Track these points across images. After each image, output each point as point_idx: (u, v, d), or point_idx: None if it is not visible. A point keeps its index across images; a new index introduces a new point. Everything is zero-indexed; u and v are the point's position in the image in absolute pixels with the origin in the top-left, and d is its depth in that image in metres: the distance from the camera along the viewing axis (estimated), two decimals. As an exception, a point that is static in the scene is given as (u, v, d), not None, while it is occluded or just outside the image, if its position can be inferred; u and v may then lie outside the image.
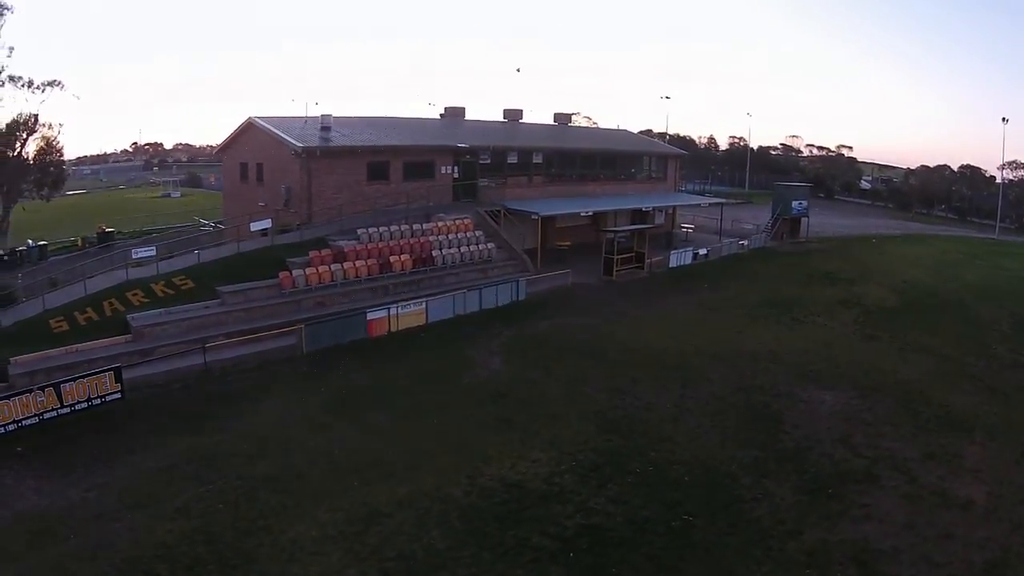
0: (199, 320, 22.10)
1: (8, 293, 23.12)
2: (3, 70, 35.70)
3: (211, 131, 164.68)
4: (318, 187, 30.23)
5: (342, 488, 13.59)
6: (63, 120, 41.75)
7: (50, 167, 40.93)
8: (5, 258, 34.14)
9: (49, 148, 40.35)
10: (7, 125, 37.35)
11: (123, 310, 21.89)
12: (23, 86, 36.94)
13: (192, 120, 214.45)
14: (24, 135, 38.25)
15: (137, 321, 21.20)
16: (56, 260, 36.59)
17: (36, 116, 37.96)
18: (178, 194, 74.36)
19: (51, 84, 37.74)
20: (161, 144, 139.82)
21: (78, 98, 29.70)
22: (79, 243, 39.20)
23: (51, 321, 20.90)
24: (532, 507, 13.14)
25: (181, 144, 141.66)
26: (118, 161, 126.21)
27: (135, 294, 22.75)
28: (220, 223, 38.00)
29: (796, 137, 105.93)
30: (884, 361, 22.15)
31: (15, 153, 38.35)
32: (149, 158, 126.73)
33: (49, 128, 39.27)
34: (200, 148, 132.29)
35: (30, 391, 15.72)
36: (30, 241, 36.77)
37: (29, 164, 39.68)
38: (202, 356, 19.51)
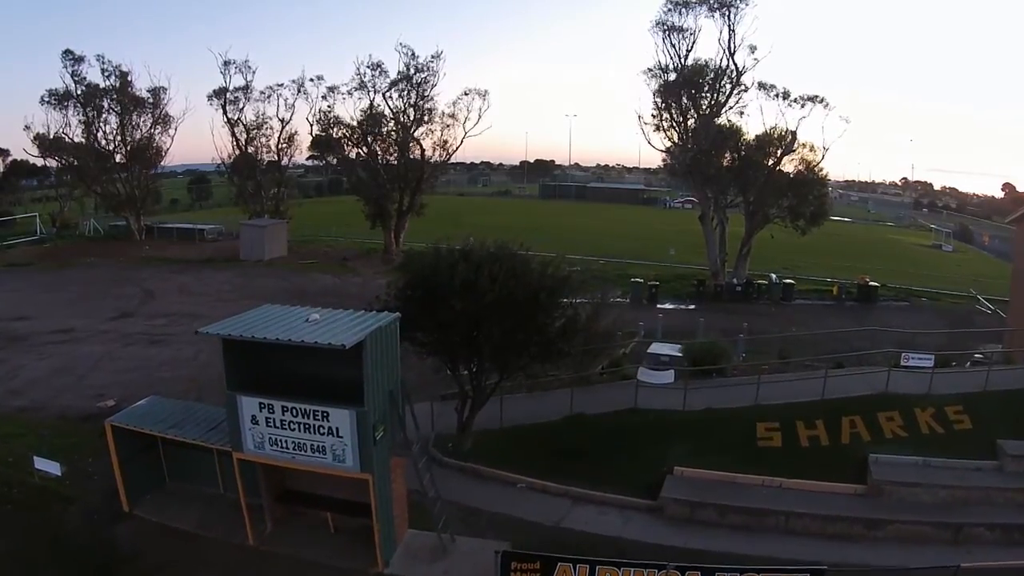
0: (962, 491, 14.73)
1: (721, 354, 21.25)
2: (743, 70, 33.62)
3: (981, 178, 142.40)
4: None
5: None
6: (826, 142, 35.49)
7: (808, 195, 36.10)
8: (739, 288, 34.20)
9: (809, 172, 36.35)
10: (757, 137, 35.38)
11: (866, 438, 16.47)
12: (776, 96, 34.32)
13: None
14: (778, 152, 35.29)
15: (880, 469, 15.45)
16: (802, 305, 34.34)
17: (794, 134, 34.80)
18: (951, 248, 64.28)
19: (812, 99, 34.10)
20: (930, 184, 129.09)
21: (847, 121, 29.93)
22: (834, 291, 35.87)
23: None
24: None
25: (948, 187, 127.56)
26: (886, 193, 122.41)
27: (890, 418, 16.95)
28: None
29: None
30: None
31: (766, 170, 35.59)
32: (918, 197, 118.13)
33: (810, 150, 35.53)
34: (970, 195, 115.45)
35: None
36: (774, 275, 35.83)
37: (782, 185, 36.32)
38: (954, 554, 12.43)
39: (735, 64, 32.45)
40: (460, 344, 15.12)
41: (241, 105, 47.41)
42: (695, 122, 32.70)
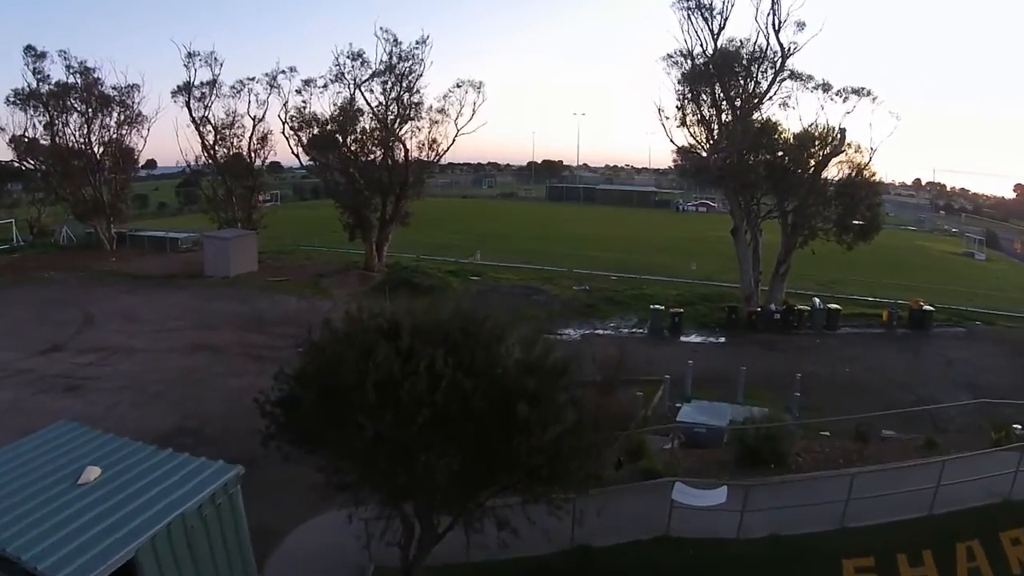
0: None
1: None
2: (789, 51, 26.46)
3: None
4: None
5: None
6: (874, 141, 29.26)
7: (860, 205, 29.53)
8: (777, 316, 28.29)
9: (858, 178, 29.81)
10: (796, 135, 28.84)
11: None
12: (815, 88, 28.06)
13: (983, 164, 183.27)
14: (822, 152, 28.77)
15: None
16: (848, 334, 28.50)
17: (843, 131, 28.36)
18: (983, 256, 57.97)
19: (857, 92, 27.97)
20: (943, 185, 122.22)
21: (897, 118, 25.12)
22: (884, 316, 29.92)
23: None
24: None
25: (959, 188, 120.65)
26: (899, 194, 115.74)
27: (1016, 540, 11.23)
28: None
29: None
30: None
31: (809, 174, 28.90)
32: (933, 199, 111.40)
33: (857, 151, 29.19)
34: (986, 197, 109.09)
35: None
36: (817, 300, 29.77)
37: (830, 193, 29.84)
38: None
39: (780, 43, 26.27)
40: (388, 475, 9.07)
41: (208, 102, 41.85)
42: (729, 116, 26.63)
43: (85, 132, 44.66)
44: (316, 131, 35.59)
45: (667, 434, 16.88)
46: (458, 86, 36.56)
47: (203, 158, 43.26)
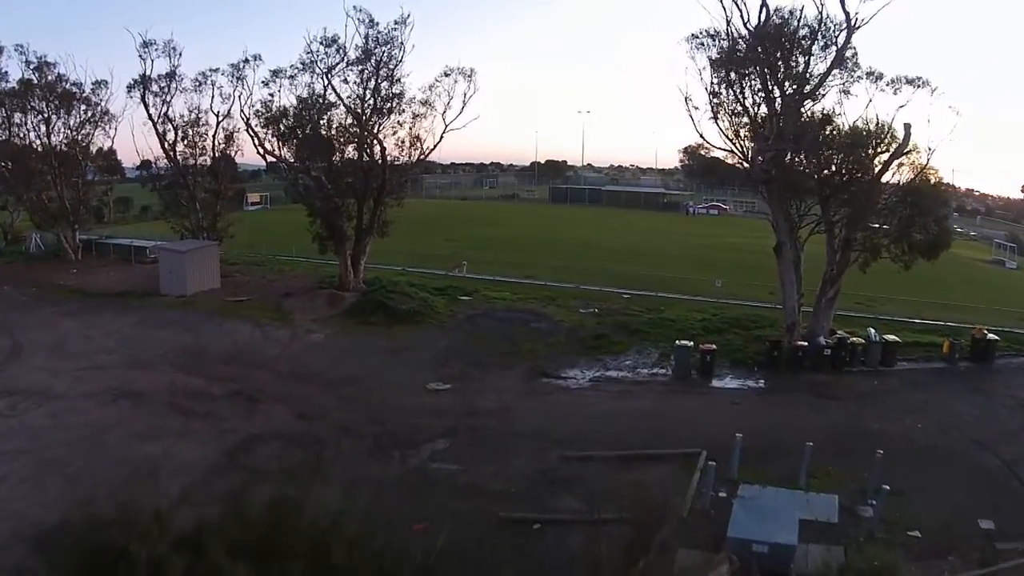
0: None
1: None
2: (856, 24, 20.89)
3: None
4: None
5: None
6: (931, 141, 23.03)
7: (928, 217, 23.57)
8: (827, 351, 22.87)
9: (923, 184, 24.08)
10: (851, 129, 23.10)
11: None
12: (863, 77, 22.45)
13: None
14: (882, 151, 23.16)
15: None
16: (907, 371, 23.49)
17: (908, 128, 22.59)
18: (1014, 265, 52.73)
19: (912, 83, 22.59)
20: (953, 186, 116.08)
21: (957, 113, 21.33)
22: (944, 347, 24.80)
23: None
24: None
25: (962, 188, 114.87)
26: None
27: None
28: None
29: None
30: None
31: (869, 176, 23.18)
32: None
33: (917, 151, 23.33)
34: (994, 198, 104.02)
35: None
36: (872, 330, 24.37)
37: (894, 202, 24.23)
38: None
39: (845, 11, 20.34)
40: None
41: (167, 97, 36.73)
42: (777, 106, 21.10)
43: (45, 132, 39.78)
44: (280, 127, 30.28)
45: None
46: (446, 75, 31.26)
47: (163, 159, 38.26)
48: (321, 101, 30.38)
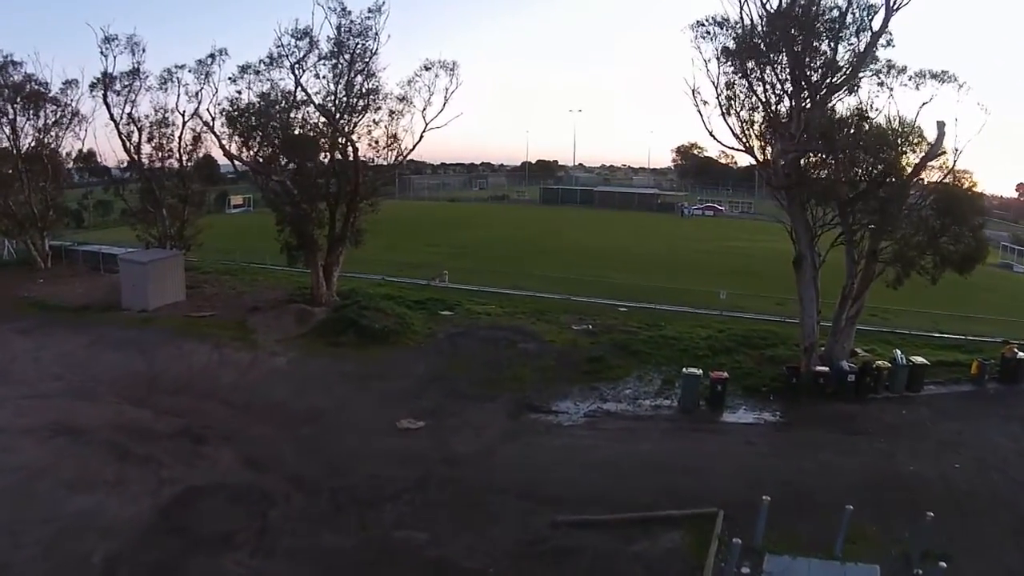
0: None
1: None
2: (895, 5, 18.08)
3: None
4: None
5: None
6: (958, 141, 19.69)
7: (961, 224, 20.80)
8: (851, 376, 20.18)
9: (957, 189, 21.43)
10: (876, 127, 20.01)
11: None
12: (883, 71, 19.56)
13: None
14: (911, 152, 20.47)
15: None
16: (935, 395, 21.03)
17: (943, 127, 19.88)
18: (1023, 269, 50.59)
19: (938, 77, 19.75)
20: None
21: (986, 111, 19.66)
22: (973, 368, 22.38)
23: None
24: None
25: None
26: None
27: None
28: None
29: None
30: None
31: (899, 178, 20.22)
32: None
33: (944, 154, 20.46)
34: (990, 197, 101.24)
35: None
36: (898, 352, 21.77)
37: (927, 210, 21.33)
38: None
39: None
40: None
41: (131, 96, 33.70)
42: (806, 100, 18.21)
43: (11, 134, 36.68)
44: (238, 126, 27.32)
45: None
46: (426, 68, 28.36)
47: (126, 162, 35.33)
48: (288, 98, 27.50)
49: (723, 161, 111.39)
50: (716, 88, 19.75)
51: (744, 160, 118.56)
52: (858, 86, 17.84)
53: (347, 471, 15.57)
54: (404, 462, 15.75)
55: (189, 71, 32.42)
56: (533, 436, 16.76)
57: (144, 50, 33.43)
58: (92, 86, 34.46)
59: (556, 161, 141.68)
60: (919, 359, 21.19)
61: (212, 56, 31.61)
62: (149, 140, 34.54)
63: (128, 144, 34.55)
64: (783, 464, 15.80)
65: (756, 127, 19.38)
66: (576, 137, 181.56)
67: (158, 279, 29.48)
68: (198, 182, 36.94)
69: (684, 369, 18.64)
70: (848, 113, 18.71)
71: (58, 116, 37.53)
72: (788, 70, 18.00)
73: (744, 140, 19.77)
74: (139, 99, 33.93)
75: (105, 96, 33.84)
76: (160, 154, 34.83)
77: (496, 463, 15.45)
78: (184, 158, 34.70)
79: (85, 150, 40.98)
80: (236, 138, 27.85)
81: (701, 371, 18.49)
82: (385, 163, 29.03)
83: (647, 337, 23.82)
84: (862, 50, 17.25)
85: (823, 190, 18.34)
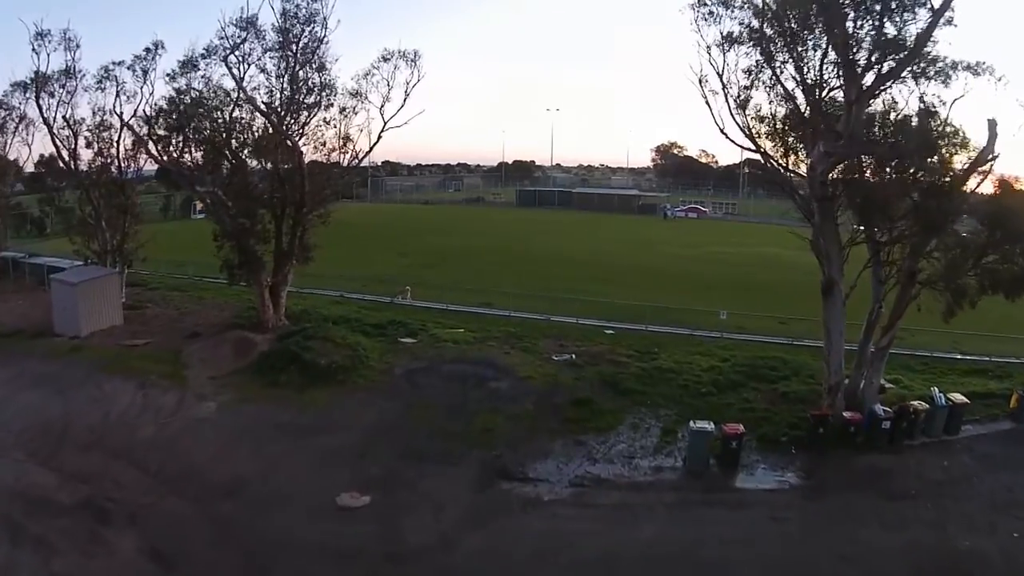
0: None
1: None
2: None
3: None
4: None
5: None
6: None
7: (1015, 241, 16.96)
8: (886, 423, 16.59)
9: (1012, 199, 17.49)
10: (917, 129, 16.31)
11: None
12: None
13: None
14: (962, 162, 16.91)
15: None
16: (973, 437, 18.06)
17: (994, 125, 16.17)
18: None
19: (971, 69, 16.42)
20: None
21: None
22: (1012, 401, 19.45)
23: None
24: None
25: None
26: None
27: None
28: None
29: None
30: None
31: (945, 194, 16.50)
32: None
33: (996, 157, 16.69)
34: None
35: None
36: (936, 391, 18.50)
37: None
38: None
39: None
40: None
41: (64, 97, 29.51)
42: (853, 94, 14.58)
43: None
44: (153, 128, 23.22)
45: None
46: (385, 59, 24.61)
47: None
48: (222, 95, 23.55)
49: (703, 160, 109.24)
50: (722, 79, 16.29)
51: (725, 159, 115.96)
52: (914, 74, 14.33)
53: (269, 569, 11.92)
54: (341, 559, 12.07)
55: (127, 68, 28.31)
56: (506, 518, 13.10)
57: (79, 46, 29.40)
58: (23, 86, 30.66)
59: (533, 161, 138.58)
60: (958, 397, 18.00)
61: (148, 51, 27.55)
62: (87, 145, 30.41)
63: (61, 149, 30.46)
64: (820, 551, 12.40)
65: (777, 124, 15.86)
66: (553, 137, 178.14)
67: (91, 302, 25.45)
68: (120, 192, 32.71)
69: (691, 423, 15.10)
70: (885, 108, 15.26)
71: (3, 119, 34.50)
72: (827, 53, 14.39)
73: (774, 139, 16.21)
74: (77, 100, 29.93)
75: (37, 97, 29.86)
76: (100, 160, 30.65)
77: (457, 562, 11.81)
78: (123, 164, 30.49)
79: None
80: (153, 141, 23.72)
81: (712, 425, 14.99)
82: (337, 168, 25.17)
83: (640, 370, 20.30)
84: (924, 28, 13.68)
85: (882, 202, 14.69)
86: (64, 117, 30.04)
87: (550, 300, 28.17)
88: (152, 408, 19.15)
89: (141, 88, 27.62)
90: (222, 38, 23.30)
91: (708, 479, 14.77)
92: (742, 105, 15.84)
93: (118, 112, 28.96)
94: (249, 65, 23.53)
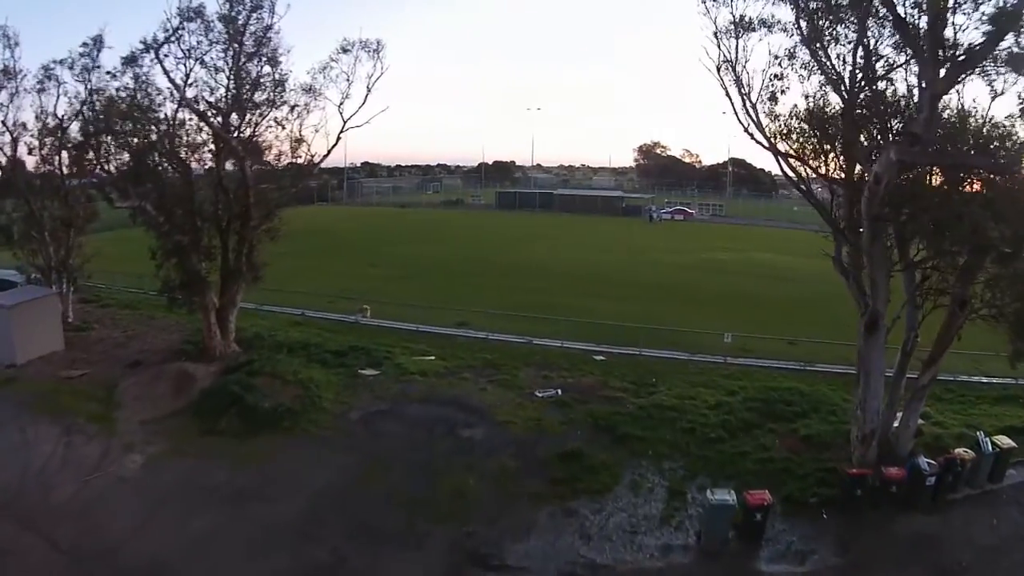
0: None
1: None
2: None
3: None
4: None
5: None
6: None
7: None
8: (930, 479, 13.87)
9: None
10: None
11: None
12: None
13: None
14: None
15: None
16: (1018, 485, 15.56)
17: None
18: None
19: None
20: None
21: None
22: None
23: None
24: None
25: None
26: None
27: None
28: None
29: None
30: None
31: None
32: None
33: None
34: None
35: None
36: (981, 435, 15.95)
37: None
38: None
39: None
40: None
41: (3, 99, 25.99)
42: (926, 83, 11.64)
43: None
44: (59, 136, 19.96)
45: None
46: (344, 51, 21.66)
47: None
48: (149, 94, 20.36)
49: (687, 160, 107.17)
50: (734, 67, 13.48)
51: (709, 159, 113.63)
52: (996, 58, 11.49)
53: None
54: None
55: (68, 66, 24.87)
56: (479, 629, 10.29)
57: (17, 44, 25.92)
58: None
59: (513, 162, 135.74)
60: (1005, 441, 15.49)
61: (86, 45, 24.19)
62: (29, 152, 26.90)
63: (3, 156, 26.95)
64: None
65: (814, 124, 12.98)
66: (534, 137, 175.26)
67: (26, 326, 22.28)
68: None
69: (709, 494, 12.30)
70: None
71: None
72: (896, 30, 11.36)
73: (804, 141, 13.38)
74: (19, 102, 26.26)
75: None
76: (45, 168, 27.17)
77: None
78: (65, 171, 27.00)
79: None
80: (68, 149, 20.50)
81: (732, 496, 12.23)
82: (290, 173, 22.11)
83: (637, 409, 17.49)
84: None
85: (974, 228, 11.61)
86: (2, 121, 26.69)
87: (532, 320, 25.35)
88: (72, 463, 16.20)
89: (86, 88, 24.45)
90: (167, 31, 20.26)
91: (728, 561, 12.00)
92: (772, 97, 12.99)
93: (59, 115, 25.73)
94: (196, 60, 20.43)
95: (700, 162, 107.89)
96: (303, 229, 57.82)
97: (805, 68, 12.63)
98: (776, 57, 12.74)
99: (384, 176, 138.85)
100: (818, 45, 12.12)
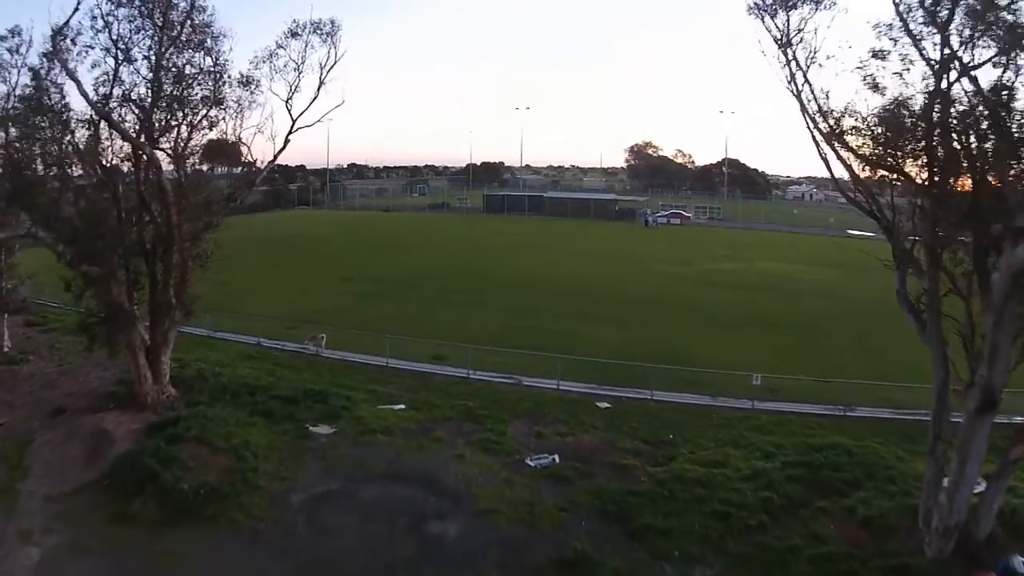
0: None
1: None
2: None
3: None
4: None
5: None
6: None
7: None
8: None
9: None
10: None
11: None
12: None
13: None
14: None
15: None
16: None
17: None
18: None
19: None
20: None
21: None
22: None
23: None
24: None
25: None
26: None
27: None
28: None
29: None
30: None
31: None
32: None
33: None
34: None
35: None
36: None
37: None
38: None
39: None
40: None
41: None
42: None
43: None
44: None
45: None
46: (294, 35, 18.05)
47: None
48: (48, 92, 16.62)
49: (679, 160, 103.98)
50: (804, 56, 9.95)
51: (701, 159, 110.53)
52: None
53: None
54: None
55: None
56: None
57: None
58: None
59: (502, 162, 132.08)
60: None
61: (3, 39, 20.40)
62: None
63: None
64: None
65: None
66: (524, 137, 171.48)
67: None
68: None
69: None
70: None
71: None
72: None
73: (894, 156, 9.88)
74: None
75: None
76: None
77: None
78: None
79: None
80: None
81: None
82: (226, 182, 18.41)
83: (655, 484, 13.85)
84: None
85: None
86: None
87: (520, 356, 21.68)
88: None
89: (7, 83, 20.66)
90: (93, 19, 16.50)
91: None
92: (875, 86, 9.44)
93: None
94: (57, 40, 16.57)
95: (693, 162, 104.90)
96: (279, 235, 54.57)
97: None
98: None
99: (371, 177, 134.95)
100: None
